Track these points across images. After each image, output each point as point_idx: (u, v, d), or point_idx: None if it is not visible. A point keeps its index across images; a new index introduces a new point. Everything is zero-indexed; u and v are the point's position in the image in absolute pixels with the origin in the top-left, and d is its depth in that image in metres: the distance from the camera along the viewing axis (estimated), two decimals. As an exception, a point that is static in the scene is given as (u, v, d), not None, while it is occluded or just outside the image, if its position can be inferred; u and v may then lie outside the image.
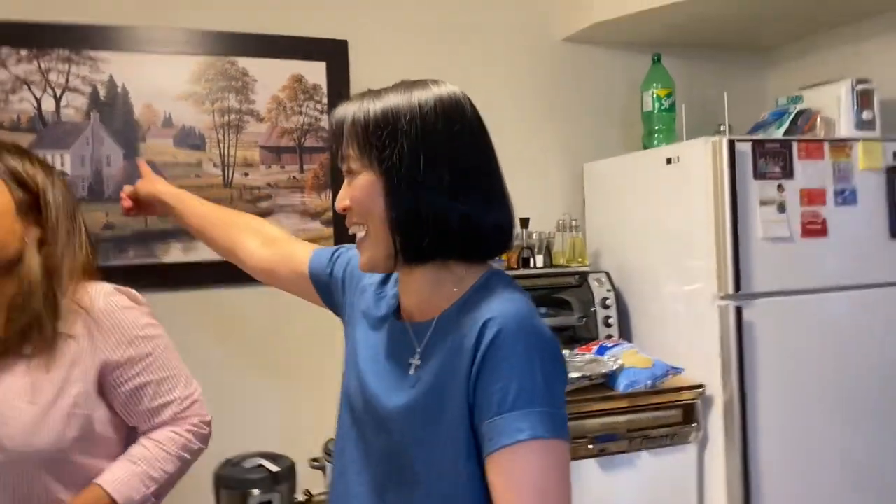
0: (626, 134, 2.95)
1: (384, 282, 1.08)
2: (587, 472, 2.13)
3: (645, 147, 2.74)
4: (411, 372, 0.95)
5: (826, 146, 2.33)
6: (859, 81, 2.54)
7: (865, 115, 2.53)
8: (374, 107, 0.93)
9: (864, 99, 2.54)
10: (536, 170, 2.88)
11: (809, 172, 2.30)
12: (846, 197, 2.34)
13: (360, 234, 0.96)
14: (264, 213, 2.44)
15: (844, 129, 2.51)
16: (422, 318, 0.97)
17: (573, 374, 2.15)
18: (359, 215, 0.95)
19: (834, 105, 2.55)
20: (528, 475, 0.81)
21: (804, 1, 2.57)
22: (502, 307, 0.89)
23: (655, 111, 2.69)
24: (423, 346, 0.95)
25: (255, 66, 2.47)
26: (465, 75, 2.75)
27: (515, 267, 2.60)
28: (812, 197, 2.30)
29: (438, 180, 0.90)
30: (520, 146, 2.83)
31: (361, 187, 0.93)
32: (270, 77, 2.49)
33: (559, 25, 2.90)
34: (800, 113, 2.56)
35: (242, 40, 2.46)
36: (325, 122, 2.54)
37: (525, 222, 2.65)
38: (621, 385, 2.17)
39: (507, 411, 0.83)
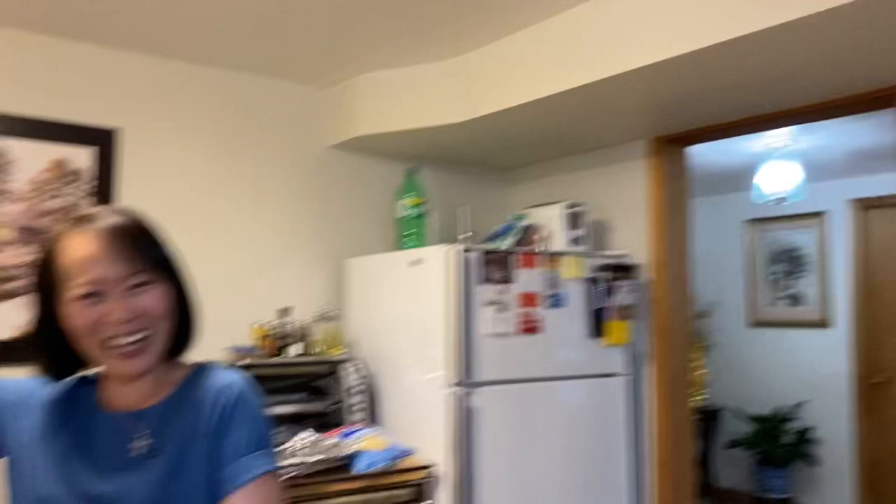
0: (384, 235, 3.27)
1: (63, 393, 1.15)
2: (324, 550, 2.29)
3: (398, 248, 3.07)
4: (134, 452, 1.09)
5: (540, 258, 2.78)
6: (572, 205, 3.07)
7: (576, 233, 3.06)
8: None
9: (575, 219, 3.07)
10: (302, 264, 3.09)
11: (526, 279, 2.73)
12: (556, 301, 2.79)
13: (139, 337, 1.08)
14: (12, 294, 2.40)
15: (559, 243, 3.00)
16: (144, 405, 1.12)
17: (314, 458, 2.32)
18: (150, 321, 1.09)
19: (552, 223, 3.05)
20: (272, 497, 1.09)
21: (527, 137, 3.09)
22: (231, 377, 1.13)
23: (407, 218, 3.04)
24: (154, 425, 1.10)
25: (17, 147, 2.48)
26: (239, 173, 2.95)
27: (274, 354, 2.76)
28: (528, 300, 2.72)
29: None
30: (286, 242, 3.04)
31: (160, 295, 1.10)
32: (31, 159, 2.51)
33: (328, 133, 3.20)
34: (525, 228, 3.03)
35: (9, 121, 2.47)
36: (84, 206, 2.58)
37: (285, 312, 2.83)
38: (359, 466, 2.37)
39: (249, 452, 1.08)
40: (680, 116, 2.82)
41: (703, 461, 5.21)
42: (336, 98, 3.18)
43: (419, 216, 3.05)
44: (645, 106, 2.69)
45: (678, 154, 3.16)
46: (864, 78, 2.35)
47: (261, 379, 2.72)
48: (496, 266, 2.67)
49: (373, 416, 2.85)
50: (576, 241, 3.05)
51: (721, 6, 2.01)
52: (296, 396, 2.82)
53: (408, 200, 3.04)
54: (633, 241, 3.13)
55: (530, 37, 2.59)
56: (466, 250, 2.60)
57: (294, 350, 2.81)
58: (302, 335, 2.86)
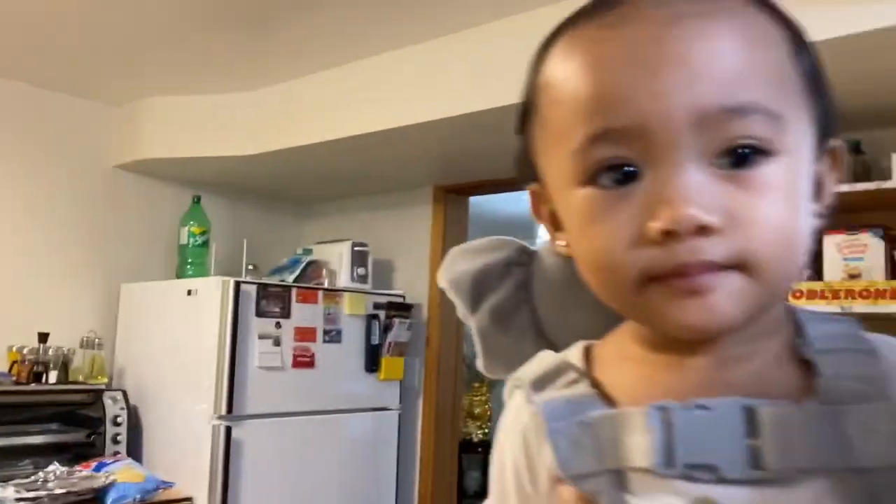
0: (166, 262, 3.19)
1: None
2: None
3: (178, 276, 3.01)
4: None
5: (320, 293, 2.85)
6: (358, 244, 3.18)
7: (360, 270, 3.17)
8: None
9: (360, 257, 3.18)
10: (73, 286, 2.94)
11: (304, 314, 2.78)
12: (333, 336, 2.87)
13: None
14: None
15: (343, 280, 3.10)
16: None
17: (60, 490, 2.21)
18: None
19: (337, 259, 3.15)
20: None
21: (317, 175, 3.17)
22: None
23: (190, 245, 3.00)
24: None
25: None
26: (9, 186, 2.76)
27: (26, 382, 2.59)
28: (304, 334, 2.78)
29: None
30: (56, 262, 2.88)
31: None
32: None
33: (113, 153, 3.08)
34: (311, 263, 3.10)
35: None
36: None
37: (44, 337, 2.68)
38: (109, 500, 2.29)
39: None
40: (462, 168, 3.04)
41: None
42: (123, 117, 3.08)
43: (202, 244, 3.02)
44: (428, 157, 2.87)
45: (460, 203, 3.39)
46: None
47: (10, 407, 2.55)
48: (274, 300, 2.70)
49: (135, 449, 2.75)
50: (360, 278, 3.16)
51: (494, 76, 2.21)
52: (53, 426, 2.66)
53: (191, 228, 3.01)
54: (415, 281, 3.30)
55: (322, 80, 2.69)
56: (243, 283, 2.61)
57: (49, 378, 2.65)
58: (63, 361, 2.71)
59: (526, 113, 0.50)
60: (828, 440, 0.40)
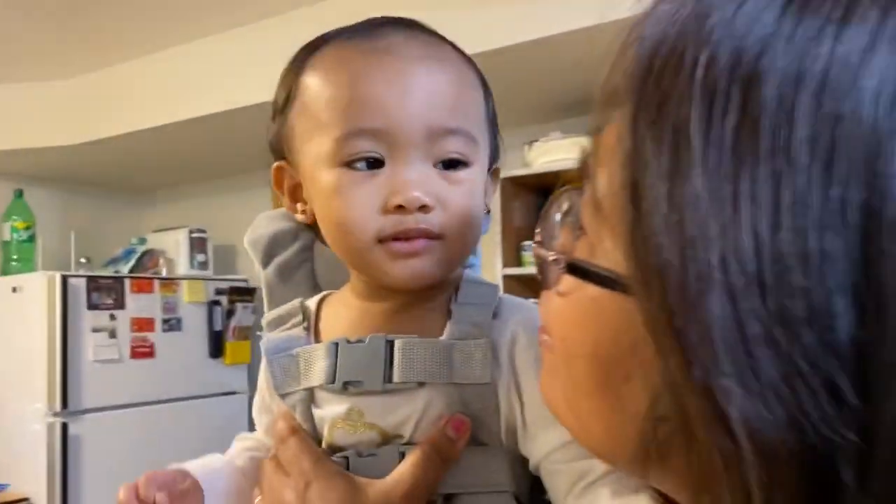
0: (-11, 259, 3.05)
1: None
2: None
3: (3, 273, 2.89)
4: None
5: (156, 283, 2.84)
6: (195, 230, 3.17)
7: (200, 257, 3.17)
8: None
9: (198, 244, 3.17)
10: None
11: (141, 304, 2.76)
12: (172, 324, 2.87)
13: None
14: None
15: (182, 268, 3.09)
16: None
17: None
18: None
19: (175, 247, 3.13)
20: None
21: (149, 162, 3.13)
22: None
23: (13, 241, 2.89)
24: None
25: None
26: None
27: None
28: (142, 324, 2.76)
29: None
30: None
31: None
32: None
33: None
34: (146, 252, 3.06)
35: None
36: None
37: None
38: (-65, 509, 2.21)
39: None
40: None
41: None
42: (-71, 109, 2.90)
43: (28, 240, 2.92)
44: (261, 140, 2.90)
45: (300, 185, 3.44)
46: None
47: None
48: (106, 292, 2.67)
49: (-35, 455, 2.65)
50: (200, 265, 3.15)
51: None
52: None
53: (14, 223, 2.89)
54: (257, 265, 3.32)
55: (148, 65, 2.66)
56: (70, 276, 2.56)
57: None
58: None
59: (286, 103, 0.62)
60: (438, 364, 0.56)
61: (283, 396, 0.60)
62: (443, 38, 0.62)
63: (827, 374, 0.26)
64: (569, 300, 0.37)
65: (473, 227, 0.59)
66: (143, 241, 3.10)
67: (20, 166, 3.04)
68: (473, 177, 0.58)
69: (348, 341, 0.57)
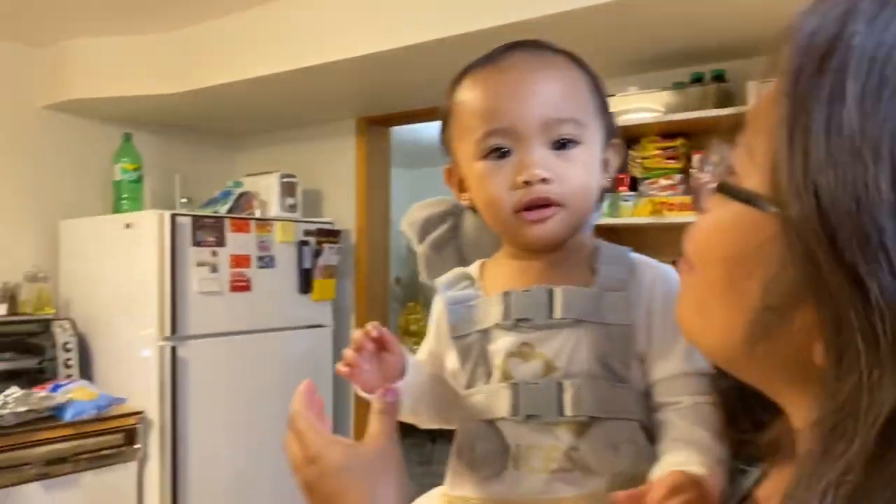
0: (102, 197, 3.34)
1: None
2: (30, 495, 2.43)
3: (115, 211, 3.17)
4: None
5: (252, 223, 3.07)
6: (287, 175, 3.38)
7: (289, 200, 3.38)
8: None
9: (288, 188, 3.39)
10: (12, 224, 3.08)
11: (239, 242, 3.00)
12: (266, 262, 3.11)
13: None
14: None
15: (274, 210, 3.31)
16: None
17: (21, 409, 2.44)
18: None
19: (267, 191, 3.35)
20: None
21: (245, 111, 3.34)
22: None
23: (123, 182, 3.15)
24: None
25: None
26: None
27: (-24, 314, 2.76)
28: (239, 261, 3.00)
29: None
30: (-9, 200, 3.01)
31: None
32: None
33: (40, 94, 3.17)
34: (242, 194, 3.29)
35: None
36: None
37: (-11, 273, 2.84)
38: (68, 415, 2.52)
39: None
40: (384, 101, 3.25)
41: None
42: (49, 59, 3.16)
43: (136, 180, 3.18)
44: (352, 91, 3.07)
45: (383, 134, 3.60)
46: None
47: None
48: (209, 230, 2.91)
49: (86, 373, 2.97)
50: (290, 207, 3.37)
51: (415, 13, 2.38)
52: (6, 355, 2.85)
53: (124, 164, 3.15)
54: (342, 209, 3.53)
55: (247, 18, 2.82)
56: (178, 216, 2.81)
57: (1, 309, 2.83)
58: (10, 295, 2.88)
59: (446, 119, 0.81)
60: (590, 307, 0.73)
61: (459, 338, 0.78)
62: (557, 50, 0.79)
63: None
64: (714, 214, 0.48)
65: (589, 194, 0.76)
66: (238, 184, 3.33)
67: (128, 113, 3.29)
68: (585, 153, 0.75)
69: (515, 291, 0.75)
